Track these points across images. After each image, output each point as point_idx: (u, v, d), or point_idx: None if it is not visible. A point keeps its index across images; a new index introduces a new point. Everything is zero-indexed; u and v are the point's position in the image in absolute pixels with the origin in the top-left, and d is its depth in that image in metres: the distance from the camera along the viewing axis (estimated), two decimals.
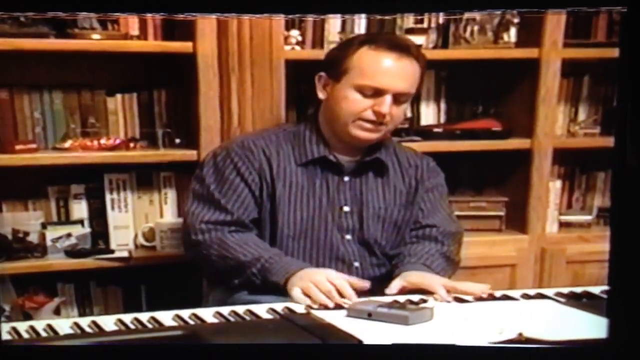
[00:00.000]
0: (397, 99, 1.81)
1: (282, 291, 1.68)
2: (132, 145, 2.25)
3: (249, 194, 1.83)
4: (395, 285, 1.71)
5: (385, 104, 1.79)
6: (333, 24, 2.31)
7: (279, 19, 2.16)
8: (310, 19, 2.25)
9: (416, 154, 2.02)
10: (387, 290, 1.70)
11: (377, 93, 1.79)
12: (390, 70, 1.79)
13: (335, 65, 1.84)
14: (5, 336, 1.34)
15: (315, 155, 1.87)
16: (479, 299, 1.66)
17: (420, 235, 1.90)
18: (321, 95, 1.88)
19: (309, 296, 1.62)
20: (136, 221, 2.28)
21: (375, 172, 1.91)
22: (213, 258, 1.79)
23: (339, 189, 1.88)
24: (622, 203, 1.18)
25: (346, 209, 1.88)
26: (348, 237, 1.88)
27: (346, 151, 1.89)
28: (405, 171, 1.94)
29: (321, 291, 1.61)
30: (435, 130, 2.49)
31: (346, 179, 1.89)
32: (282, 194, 1.84)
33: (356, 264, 1.88)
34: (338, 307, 1.59)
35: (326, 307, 1.59)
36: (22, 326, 1.42)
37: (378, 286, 1.87)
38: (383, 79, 1.78)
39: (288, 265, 1.72)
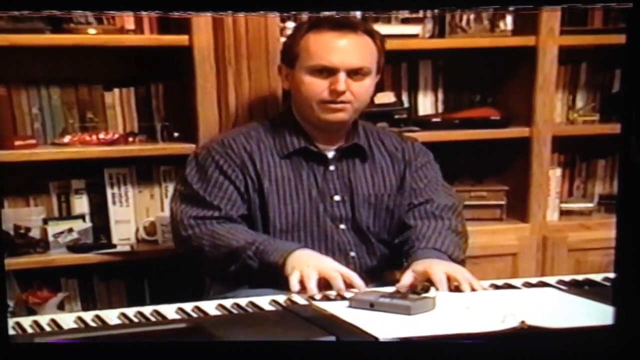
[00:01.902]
0: (353, 74, 1.82)
1: (278, 274, 1.66)
2: (131, 139, 2.25)
3: (234, 190, 1.84)
4: (406, 281, 1.66)
5: (340, 82, 1.81)
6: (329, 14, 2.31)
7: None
8: (305, 16, 2.25)
9: (401, 137, 2.03)
10: (398, 286, 1.64)
11: (330, 72, 1.82)
12: (336, 47, 1.82)
13: (288, 53, 1.88)
14: (10, 331, 1.34)
15: (297, 147, 1.88)
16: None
17: (418, 215, 1.89)
18: (285, 85, 1.92)
19: (303, 284, 1.60)
20: (137, 215, 2.28)
21: (360, 158, 1.92)
22: (205, 249, 1.78)
23: (326, 178, 1.88)
24: (628, 192, 1.17)
25: (337, 198, 1.88)
26: (342, 226, 1.88)
27: (326, 140, 1.89)
28: (393, 155, 1.95)
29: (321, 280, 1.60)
30: (434, 120, 2.49)
31: (332, 168, 1.89)
32: (270, 188, 1.84)
33: (352, 253, 1.88)
34: (340, 297, 1.59)
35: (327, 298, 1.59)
36: (26, 321, 1.43)
37: (375, 275, 1.87)
38: (330, 56, 1.81)
39: (284, 245, 1.73)
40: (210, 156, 1.87)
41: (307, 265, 1.64)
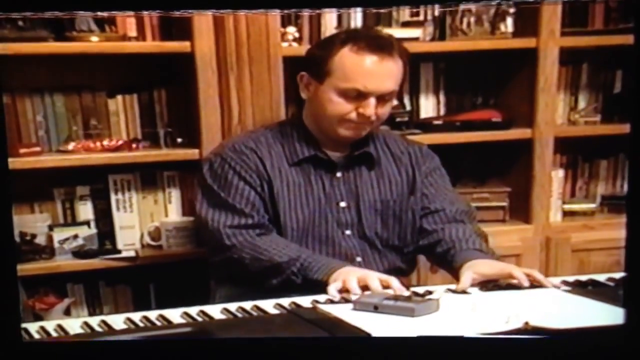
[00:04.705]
0: (382, 98, 1.81)
1: (321, 289, 1.66)
2: (134, 145, 2.26)
3: (256, 195, 1.84)
4: (467, 280, 1.67)
5: (370, 107, 1.79)
6: (329, 19, 2.32)
7: (275, 15, 2.16)
8: (306, 14, 2.26)
9: (407, 141, 2.03)
10: (460, 286, 1.66)
11: (361, 96, 1.79)
12: (373, 72, 1.78)
13: (317, 65, 1.82)
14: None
15: (306, 155, 1.88)
16: (485, 288, 1.67)
17: (439, 220, 1.90)
18: (304, 94, 1.88)
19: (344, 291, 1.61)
20: (142, 221, 2.29)
21: (367, 165, 1.92)
22: (246, 261, 1.78)
23: (332, 184, 1.89)
24: (638, 189, 1.17)
25: (342, 204, 1.89)
26: (348, 232, 1.89)
27: (335, 147, 1.89)
28: (399, 160, 1.95)
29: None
30: (435, 122, 2.50)
31: (339, 174, 1.89)
32: (281, 193, 1.85)
33: (358, 259, 1.88)
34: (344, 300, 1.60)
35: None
36: (33, 327, 1.44)
37: None
38: (367, 82, 1.78)
39: (329, 262, 1.73)
40: (227, 163, 1.86)
41: (348, 275, 1.65)
